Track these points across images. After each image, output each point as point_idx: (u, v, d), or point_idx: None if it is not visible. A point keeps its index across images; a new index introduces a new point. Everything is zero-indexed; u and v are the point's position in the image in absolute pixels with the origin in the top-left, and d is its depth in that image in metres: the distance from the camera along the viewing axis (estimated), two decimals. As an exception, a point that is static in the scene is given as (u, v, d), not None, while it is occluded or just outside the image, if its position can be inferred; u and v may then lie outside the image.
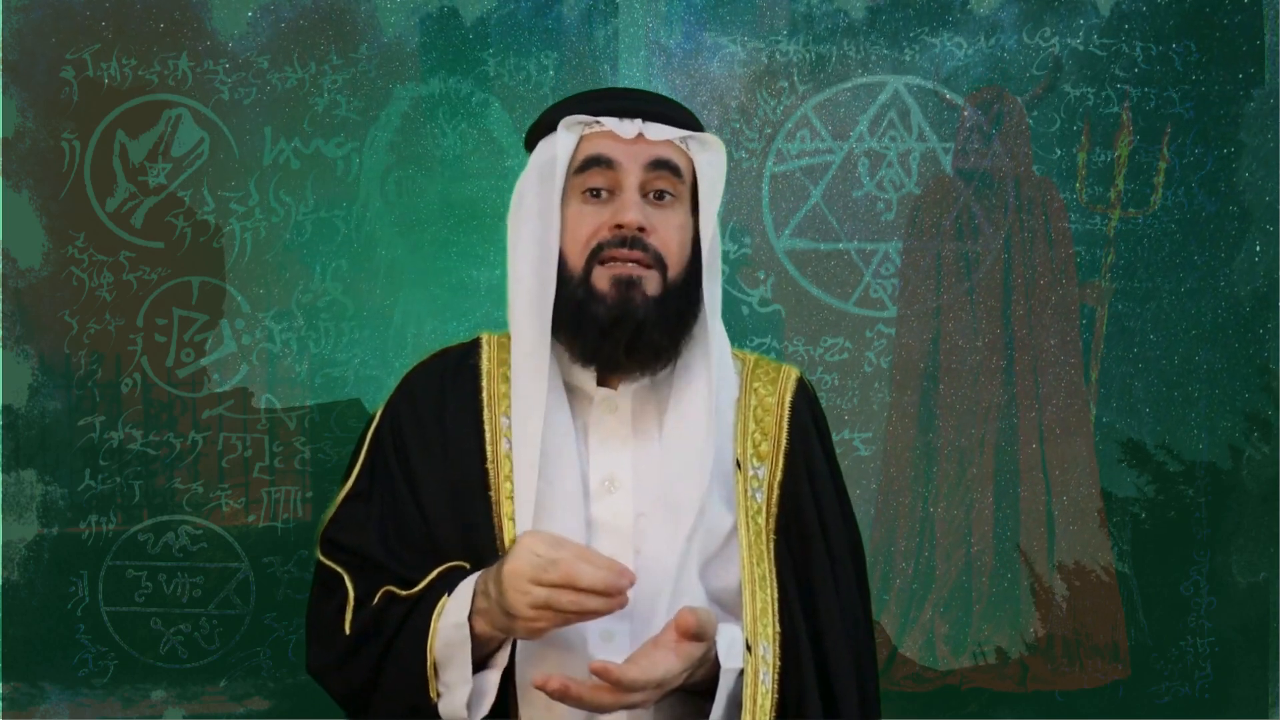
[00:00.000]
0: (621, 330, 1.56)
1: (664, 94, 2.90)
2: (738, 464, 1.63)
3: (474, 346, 1.73)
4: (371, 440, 1.70)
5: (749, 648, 1.52)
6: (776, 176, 3.03)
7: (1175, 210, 3.06)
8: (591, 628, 1.53)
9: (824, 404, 1.83)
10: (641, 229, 1.56)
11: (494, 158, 2.97)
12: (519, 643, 1.52)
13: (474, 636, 1.47)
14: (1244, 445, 3.06)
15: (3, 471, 2.90)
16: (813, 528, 1.64)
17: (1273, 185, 3.04)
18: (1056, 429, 3.05)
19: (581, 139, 1.62)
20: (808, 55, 3.02)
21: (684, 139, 1.64)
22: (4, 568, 2.89)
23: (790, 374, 1.73)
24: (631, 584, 1.39)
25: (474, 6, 2.96)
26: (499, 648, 1.51)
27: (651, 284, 1.57)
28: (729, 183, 2.94)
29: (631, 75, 2.98)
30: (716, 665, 1.50)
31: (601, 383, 1.63)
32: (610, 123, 1.61)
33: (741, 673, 1.51)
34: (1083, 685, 3.05)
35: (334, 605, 1.60)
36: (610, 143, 1.60)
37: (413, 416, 1.68)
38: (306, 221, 2.96)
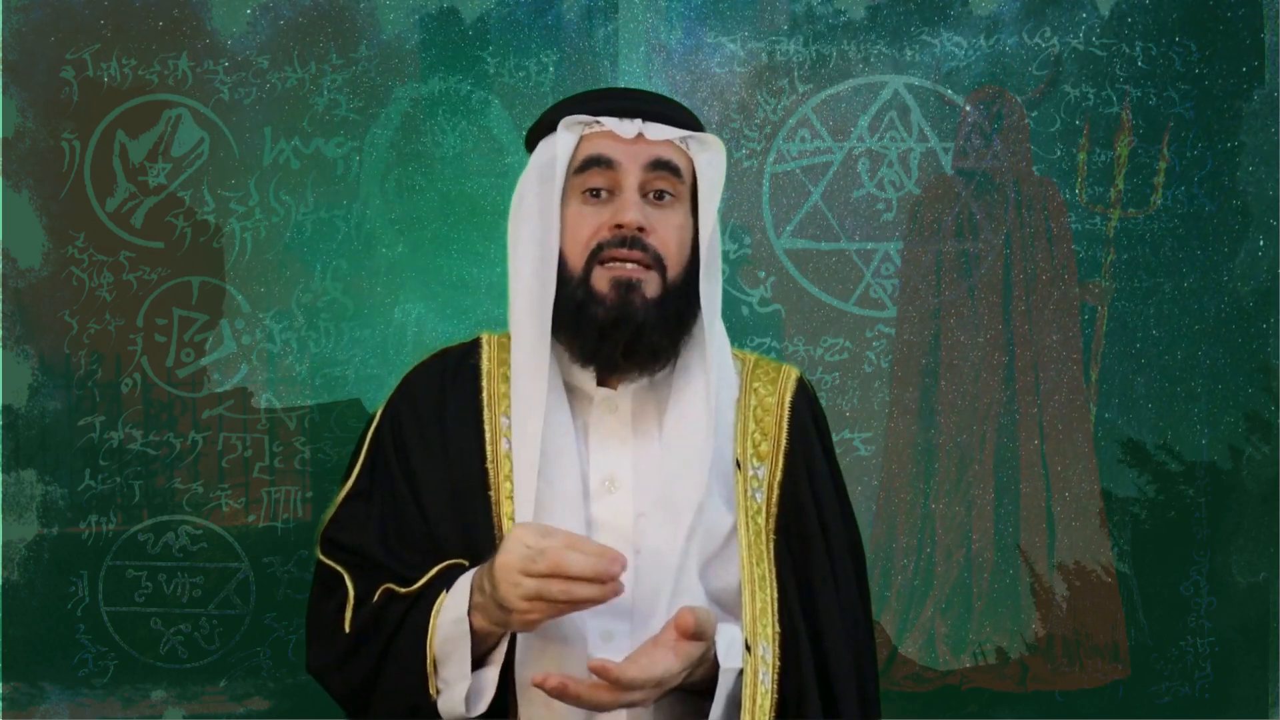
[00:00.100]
0: (620, 332, 1.56)
1: (664, 93, 2.91)
2: (737, 464, 1.63)
3: (474, 346, 1.73)
4: (371, 440, 1.70)
5: (748, 647, 1.52)
6: (776, 176, 3.03)
7: (1175, 209, 3.06)
8: (591, 627, 1.53)
9: (824, 404, 1.83)
10: (641, 229, 1.56)
11: (494, 156, 2.97)
12: (518, 642, 1.52)
13: (472, 632, 1.47)
14: (1244, 445, 3.06)
15: (3, 471, 2.90)
16: (812, 528, 1.63)
17: (1273, 184, 3.04)
18: (1057, 428, 3.05)
19: (581, 139, 1.62)
20: (808, 54, 3.02)
21: (684, 139, 1.64)
22: (4, 568, 2.89)
23: (790, 374, 1.73)
24: (624, 569, 1.38)
25: (474, 5, 2.96)
26: (497, 644, 1.51)
27: (651, 286, 1.57)
28: (729, 182, 2.94)
29: (631, 74, 2.98)
30: (716, 665, 1.50)
31: (601, 383, 1.63)
32: (610, 122, 1.61)
33: (741, 672, 1.51)
34: (1083, 685, 3.05)
35: (334, 604, 1.60)
36: (610, 143, 1.60)
37: (413, 416, 1.68)
38: (306, 221, 2.96)
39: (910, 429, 3.05)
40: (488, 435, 1.62)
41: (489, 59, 2.97)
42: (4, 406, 2.91)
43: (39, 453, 2.92)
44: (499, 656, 1.51)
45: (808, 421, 1.70)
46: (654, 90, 2.90)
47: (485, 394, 1.66)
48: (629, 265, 1.56)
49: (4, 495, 2.90)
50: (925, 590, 3.05)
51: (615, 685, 1.40)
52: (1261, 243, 3.06)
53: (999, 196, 3.06)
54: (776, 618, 1.56)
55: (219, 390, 2.96)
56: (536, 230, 1.61)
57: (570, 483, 1.58)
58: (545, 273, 1.58)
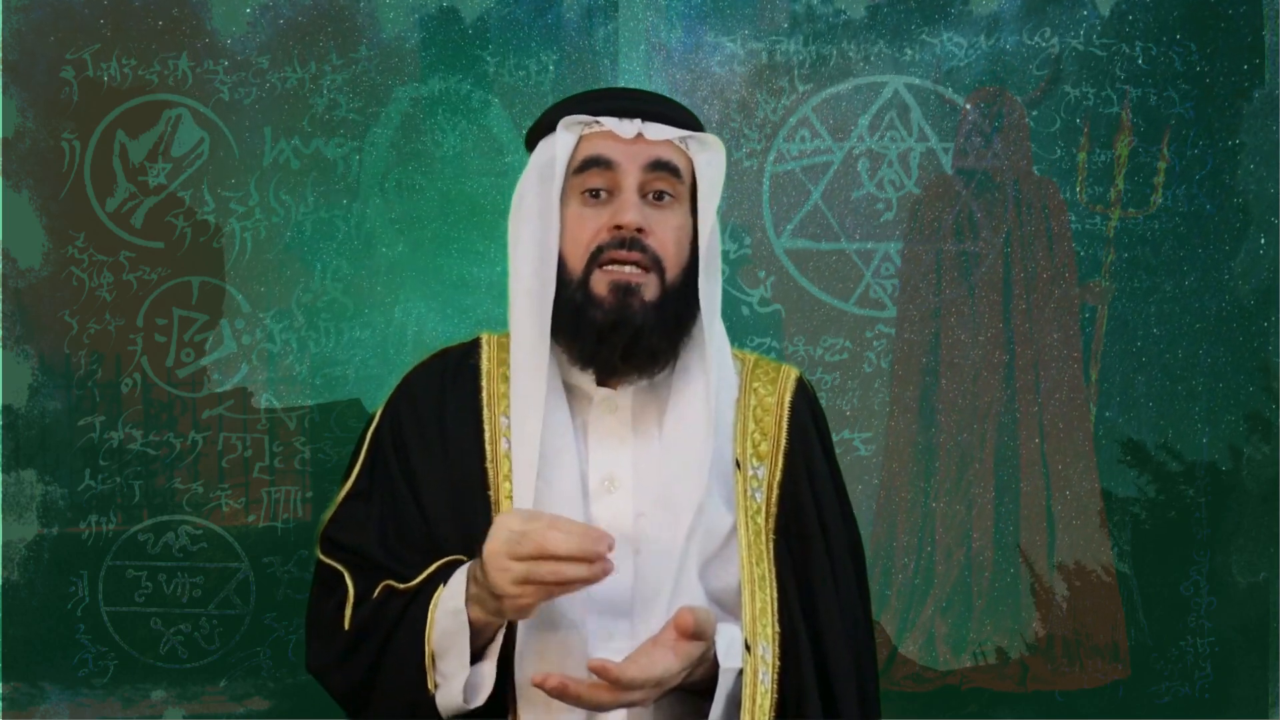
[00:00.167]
0: (619, 336, 1.56)
1: (664, 93, 2.91)
2: (737, 464, 1.63)
3: (474, 346, 1.73)
4: (371, 440, 1.70)
5: (748, 647, 1.52)
6: (776, 176, 3.03)
7: (1175, 209, 3.06)
8: (591, 627, 1.53)
9: (824, 404, 1.83)
10: (640, 230, 1.56)
11: (494, 156, 2.97)
12: (518, 641, 1.52)
13: (470, 624, 1.47)
14: (1244, 445, 3.06)
15: (3, 471, 2.90)
16: (812, 528, 1.63)
17: (1273, 184, 3.04)
18: (1057, 428, 3.05)
19: (581, 139, 1.62)
20: (808, 54, 3.02)
21: (683, 139, 1.64)
22: (4, 568, 2.89)
23: (790, 374, 1.73)
24: (611, 548, 1.38)
25: (474, 5, 2.96)
26: (495, 636, 1.51)
27: (649, 288, 1.57)
28: (729, 182, 2.95)
29: (631, 74, 2.98)
30: (715, 665, 1.50)
31: (601, 383, 1.63)
32: (609, 123, 1.61)
33: (740, 672, 1.51)
34: (1083, 685, 3.05)
35: (334, 603, 1.60)
36: (609, 143, 1.60)
37: (413, 416, 1.68)
38: (306, 221, 2.96)
39: (910, 429, 3.05)
40: (487, 435, 1.62)
41: (489, 59, 2.97)
42: (4, 406, 2.91)
43: (39, 453, 2.92)
44: (495, 650, 1.50)
45: (807, 421, 1.70)
46: (654, 90, 2.91)
47: (485, 394, 1.66)
48: (628, 268, 1.56)
49: (4, 495, 2.90)
50: (925, 590, 3.05)
51: (615, 685, 1.40)
52: (1262, 242, 3.06)
53: (999, 196, 3.06)
54: (776, 617, 1.56)
55: (219, 390, 2.96)
56: (536, 230, 1.61)
57: (570, 482, 1.58)
58: (545, 273, 1.58)
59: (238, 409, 2.96)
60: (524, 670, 1.51)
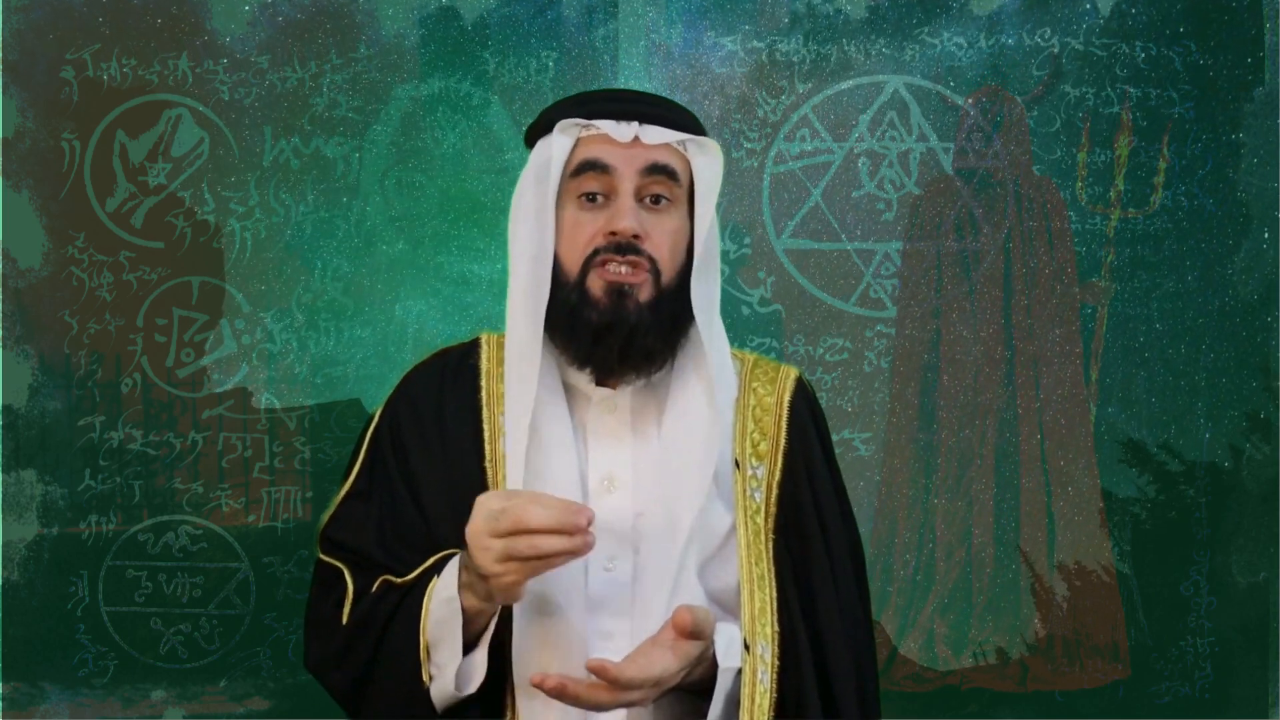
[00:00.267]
0: (614, 337, 1.57)
1: (663, 94, 2.91)
2: (736, 464, 1.63)
3: (473, 346, 1.73)
4: (370, 440, 1.70)
5: (747, 647, 1.52)
6: (776, 176, 3.03)
7: (1175, 210, 3.06)
8: (590, 627, 1.53)
9: (824, 404, 1.84)
10: (636, 236, 1.56)
11: (494, 154, 2.97)
12: (517, 641, 1.52)
13: (463, 611, 1.47)
14: (1244, 445, 3.06)
15: (3, 471, 2.90)
16: (812, 528, 1.63)
17: (1273, 184, 3.04)
18: (1057, 428, 3.05)
19: (578, 142, 1.62)
20: (808, 54, 3.02)
21: (682, 141, 1.64)
22: (4, 568, 2.89)
23: (789, 374, 1.73)
24: (590, 521, 1.38)
25: (474, 4, 2.96)
26: (488, 625, 1.51)
27: (645, 291, 1.57)
28: (729, 181, 2.95)
29: (631, 73, 2.98)
30: (715, 664, 1.50)
31: (600, 383, 1.63)
32: (606, 125, 1.60)
33: (740, 672, 1.51)
34: (1083, 685, 3.05)
35: (333, 601, 1.60)
36: (606, 147, 1.60)
37: (412, 416, 1.68)
38: (306, 221, 2.96)
39: (910, 428, 3.05)
40: (486, 435, 1.63)
41: (489, 57, 2.97)
42: (4, 406, 2.91)
43: (39, 453, 2.92)
44: (488, 638, 1.51)
45: (807, 421, 1.70)
46: (654, 89, 2.91)
47: (484, 394, 1.66)
48: (623, 269, 1.57)
49: (4, 495, 2.90)
50: (926, 589, 3.05)
51: (614, 685, 1.40)
52: (1263, 241, 3.06)
53: (999, 196, 3.06)
54: (775, 617, 1.56)
55: (219, 390, 2.96)
56: (533, 231, 1.61)
57: (569, 482, 1.58)
58: (540, 273, 1.58)
59: (238, 409, 2.96)
60: (523, 670, 1.51)
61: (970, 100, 3.04)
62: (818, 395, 1.79)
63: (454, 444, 1.64)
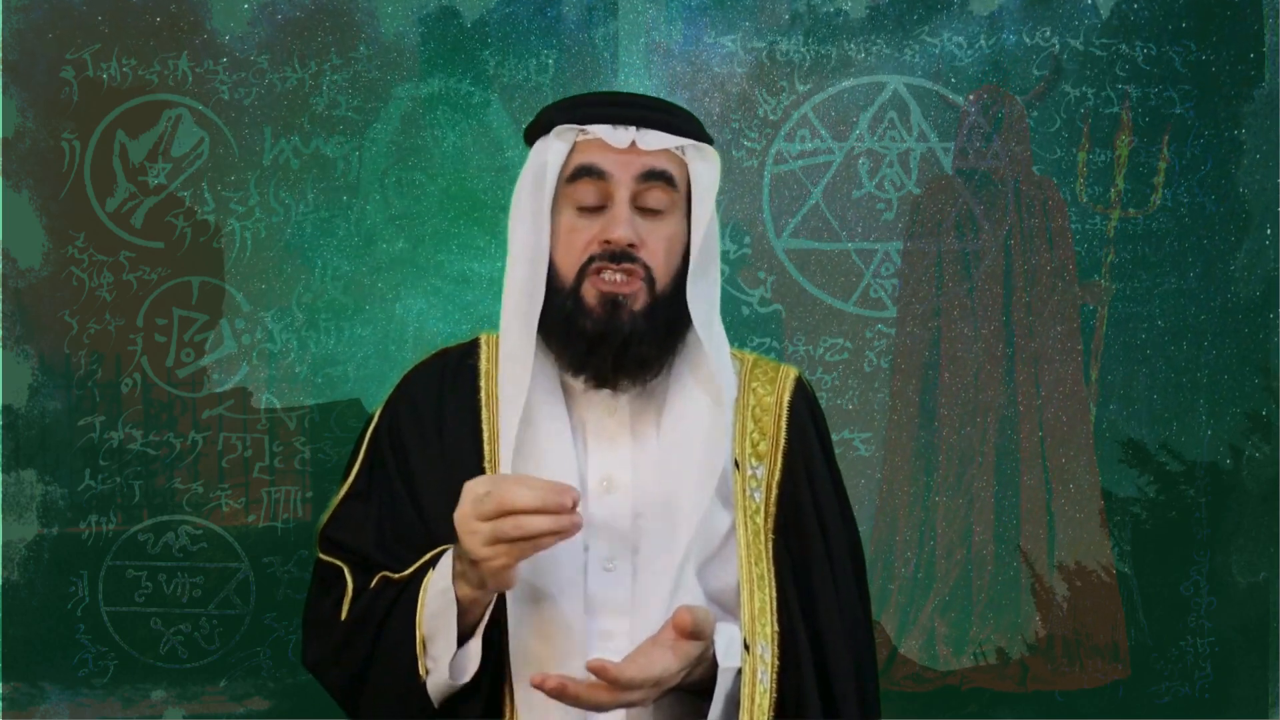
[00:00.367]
0: (608, 346, 1.56)
1: (663, 94, 2.91)
2: (736, 464, 1.63)
3: (473, 346, 1.73)
4: (370, 440, 1.70)
5: (747, 647, 1.52)
6: (776, 176, 3.03)
7: (1175, 210, 3.06)
8: (590, 627, 1.53)
9: (824, 404, 1.83)
10: (631, 244, 1.56)
11: (494, 153, 2.97)
12: (516, 641, 1.52)
13: (458, 601, 1.47)
14: (1244, 445, 3.06)
15: (3, 471, 2.90)
16: (811, 528, 1.63)
17: (1272, 185, 3.04)
18: (1057, 429, 3.05)
19: (575, 146, 1.61)
20: (808, 53, 3.02)
21: (680, 146, 1.63)
22: (4, 568, 2.89)
23: (789, 374, 1.73)
24: (576, 502, 1.38)
25: (474, 4, 2.96)
26: (482, 616, 1.51)
27: (639, 300, 1.57)
28: (729, 181, 2.95)
29: (631, 73, 2.98)
30: (714, 664, 1.50)
31: (598, 387, 1.63)
32: (602, 131, 1.59)
33: (739, 672, 1.51)
34: (1083, 685, 3.05)
35: (332, 599, 1.61)
36: (602, 153, 1.59)
37: (411, 416, 1.68)
38: (306, 220, 2.96)
39: (911, 428, 3.05)
40: (485, 435, 1.62)
41: (489, 56, 2.97)
42: (4, 406, 2.91)
43: (39, 453, 2.92)
44: (483, 627, 1.50)
45: (806, 421, 1.70)
46: (653, 89, 2.91)
47: (483, 394, 1.66)
48: (618, 278, 1.56)
49: (4, 495, 2.90)
50: (926, 588, 3.05)
51: (614, 685, 1.40)
52: (1263, 241, 3.06)
53: (999, 196, 3.06)
54: (775, 617, 1.56)
55: (219, 390, 2.96)
56: (529, 234, 1.60)
57: (568, 482, 1.58)
58: (535, 276, 1.58)
59: (238, 409, 2.96)
60: (522, 670, 1.51)
61: (970, 100, 3.04)
62: (818, 395, 1.79)
63: (453, 444, 1.64)
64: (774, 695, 1.53)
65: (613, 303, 1.56)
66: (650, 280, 1.57)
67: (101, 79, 2.93)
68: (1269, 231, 3.06)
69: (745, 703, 1.50)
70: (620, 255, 1.56)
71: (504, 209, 1.67)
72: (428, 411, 1.67)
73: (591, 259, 1.57)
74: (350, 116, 2.96)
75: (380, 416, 1.71)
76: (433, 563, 1.53)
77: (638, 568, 1.55)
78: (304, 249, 2.96)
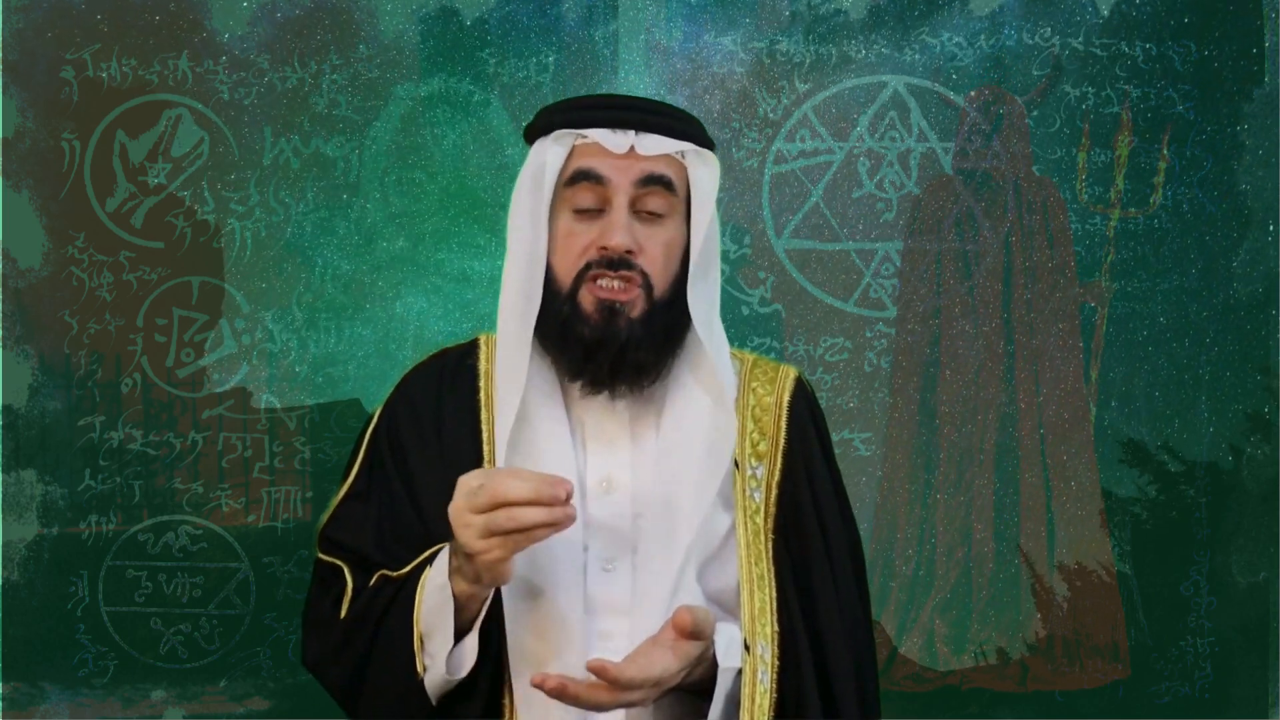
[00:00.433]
0: (605, 353, 1.56)
1: (663, 93, 2.91)
2: (736, 464, 1.62)
3: (472, 347, 1.73)
4: (369, 440, 1.70)
5: (747, 647, 1.52)
6: (776, 176, 3.03)
7: (1175, 210, 3.06)
8: (590, 627, 1.53)
9: (824, 404, 1.83)
10: (629, 251, 1.55)
11: (494, 152, 2.97)
12: (514, 641, 1.52)
13: (455, 597, 1.47)
14: (1244, 445, 3.06)
15: (3, 471, 2.90)
16: (811, 528, 1.63)
17: (1272, 185, 3.04)
18: (1057, 427, 3.05)
19: (574, 149, 1.60)
20: (808, 53, 3.02)
21: (680, 150, 1.62)
22: (4, 568, 2.89)
23: (789, 374, 1.73)
24: (569, 494, 1.37)
25: (474, 4, 2.96)
26: (479, 611, 1.50)
27: (636, 307, 1.56)
28: (729, 180, 2.95)
29: (631, 74, 2.98)
30: (715, 664, 1.50)
31: (596, 391, 1.63)
32: (601, 135, 1.58)
33: (740, 672, 1.51)
34: (1083, 685, 3.05)
35: (332, 598, 1.61)
36: (600, 157, 1.58)
37: (410, 417, 1.68)
38: (306, 220, 2.96)
39: (911, 428, 3.05)
40: (485, 436, 1.62)
41: (489, 56, 2.97)
42: (4, 406, 2.91)
43: (39, 453, 2.92)
44: (479, 622, 1.50)
45: (806, 421, 1.70)
46: (654, 89, 2.91)
47: (482, 394, 1.66)
48: (615, 285, 1.56)
49: (4, 495, 2.90)
50: (925, 591, 3.05)
51: (614, 685, 1.40)
52: (1263, 240, 3.06)
53: (999, 196, 3.06)
54: (775, 617, 1.56)
55: (219, 390, 2.96)
56: (527, 237, 1.60)
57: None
58: (532, 278, 1.58)
59: (238, 409, 2.96)
60: (522, 670, 1.51)
61: (970, 100, 3.04)
62: (818, 395, 1.79)
63: (452, 445, 1.63)
64: (774, 695, 1.53)
65: (610, 310, 1.55)
66: (648, 286, 1.57)
67: (101, 79, 2.93)
68: (1270, 230, 3.06)
69: (745, 703, 1.50)
70: (618, 262, 1.55)
71: (504, 208, 1.67)
72: (427, 412, 1.67)
73: (589, 265, 1.56)
74: (350, 116, 2.96)
75: (379, 417, 1.71)
76: (431, 560, 1.53)
77: (637, 568, 1.55)
78: (304, 249, 2.96)
